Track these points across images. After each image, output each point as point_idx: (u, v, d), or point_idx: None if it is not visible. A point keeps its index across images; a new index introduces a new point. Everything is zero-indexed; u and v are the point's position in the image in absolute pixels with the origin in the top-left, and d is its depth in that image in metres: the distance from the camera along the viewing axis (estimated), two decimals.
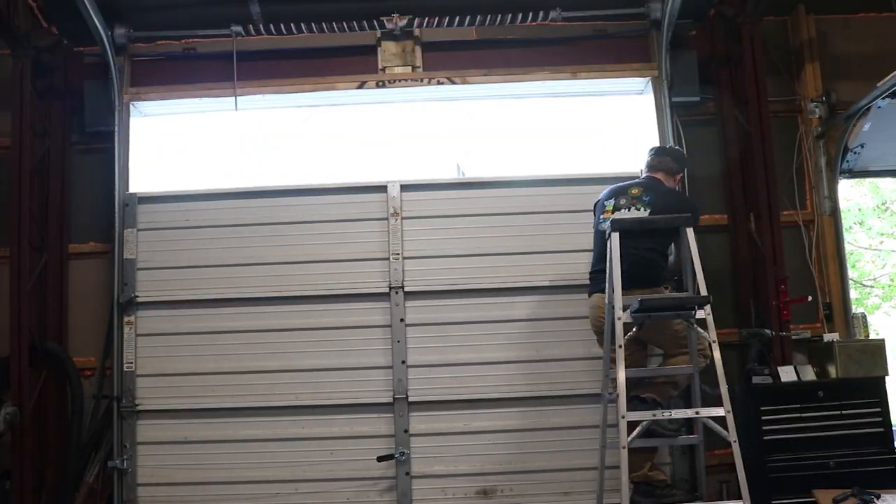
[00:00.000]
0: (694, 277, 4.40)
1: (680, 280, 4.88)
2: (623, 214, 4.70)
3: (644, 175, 5.04)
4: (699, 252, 4.36)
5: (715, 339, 4.25)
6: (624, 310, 4.30)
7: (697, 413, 4.27)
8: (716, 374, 4.18)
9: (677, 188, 5.08)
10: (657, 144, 5.48)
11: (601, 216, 4.84)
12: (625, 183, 4.97)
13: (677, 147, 5.34)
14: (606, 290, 4.57)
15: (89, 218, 5.84)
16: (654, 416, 4.40)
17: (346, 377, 5.46)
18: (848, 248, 13.56)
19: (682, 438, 5.03)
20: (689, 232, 4.45)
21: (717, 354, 4.24)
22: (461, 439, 5.40)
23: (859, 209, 13.85)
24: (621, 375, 4.13)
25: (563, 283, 5.50)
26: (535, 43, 5.91)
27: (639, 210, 4.72)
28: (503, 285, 5.54)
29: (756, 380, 5.15)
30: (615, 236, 4.42)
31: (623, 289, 4.30)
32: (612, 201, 4.84)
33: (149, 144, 6.08)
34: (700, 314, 4.31)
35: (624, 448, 4.03)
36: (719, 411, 4.11)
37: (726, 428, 4.08)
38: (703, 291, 4.33)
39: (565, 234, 5.59)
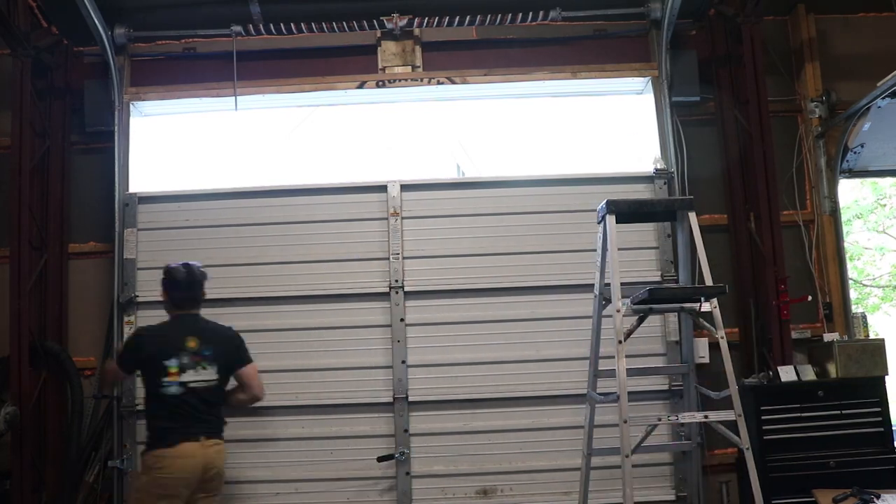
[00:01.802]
0: (693, 268, 4.29)
1: None
2: (192, 377, 4.26)
3: (182, 311, 4.50)
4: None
5: (723, 335, 4.11)
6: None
7: (707, 417, 4.06)
8: (724, 374, 4.02)
9: None
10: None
11: (164, 378, 4.24)
12: (176, 326, 4.46)
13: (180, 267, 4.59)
14: (598, 280, 4.38)
15: (89, 218, 5.83)
16: (660, 419, 4.32)
17: (346, 377, 5.46)
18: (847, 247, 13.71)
19: (679, 444, 5.00)
20: (692, 217, 4.25)
21: (725, 351, 4.06)
22: (461, 439, 5.39)
23: (856, 202, 13.99)
24: (622, 372, 3.97)
25: (563, 283, 5.50)
26: (535, 43, 5.91)
27: (205, 369, 4.32)
28: (503, 285, 5.54)
29: (747, 382, 5.16)
30: (611, 219, 4.22)
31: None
32: (174, 360, 4.27)
33: (149, 144, 6.08)
34: (706, 307, 4.10)
35: (627, 457, 3.86)
36: (729, 415, 3.94)
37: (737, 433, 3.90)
38: (709, 282, 4.14)
39: (565, 234, 5.58)
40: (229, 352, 4.50)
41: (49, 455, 5.45)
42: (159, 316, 5.50)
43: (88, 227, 5.83)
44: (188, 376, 4.29)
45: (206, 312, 5.49)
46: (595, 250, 4.59)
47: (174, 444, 4.14)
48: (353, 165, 8.93)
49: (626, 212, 4.37)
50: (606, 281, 4.39)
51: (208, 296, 5.49)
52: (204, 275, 4.58)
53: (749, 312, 5.54)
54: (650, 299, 4.07)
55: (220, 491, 4.41)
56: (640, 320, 4.26)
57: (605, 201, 4.31)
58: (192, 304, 4.53)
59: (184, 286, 4.48)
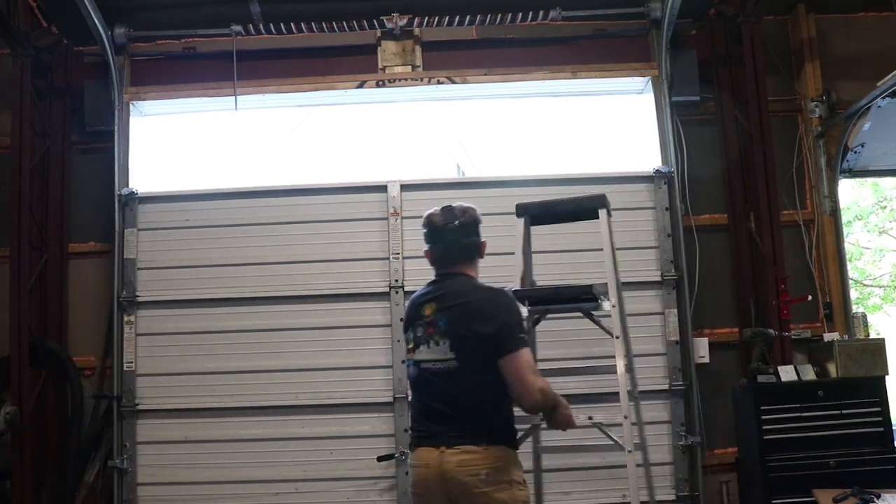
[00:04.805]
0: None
1: None
2: (424, 354, 3.32)
3: (440, 272, 3.57)
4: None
5: (619, 335, 4.01)
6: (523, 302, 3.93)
7: (591, 419, 3.94)
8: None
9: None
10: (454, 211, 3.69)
11: (406, 356, 3.48)
12: (423, 292, 3.55)
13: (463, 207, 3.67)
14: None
15: (89, 218, 5.83)
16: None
17: (346, 377, 5.46)
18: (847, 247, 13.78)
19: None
20: (603, 214, 4.15)
21: (619, 351, 3.95)
22: None
23: (857, 205, 14.03)
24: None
25: (563, 283, 5.49)
26: (534, 42, 5.91)
27: (438, 345, 3.27)
28: (502, 285, 5.52)
29: (761, 378, 5.15)
30: (520, 221, 4.18)
31: None
32: (410, 333, 3.43)
33: (149, 144, 6.08)
34: (605, 306, 3.99)
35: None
36: (617, 418, 3.89)
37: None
38: (613, 279, 4.02)
39: (565, 234, 5.54)
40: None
41: (49, 455, 5.45)
42: (160, 316, 5.54)
43: (88, 227, 5.82)
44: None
45: (205, 313, 5.54)
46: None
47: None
48: (353, 165, 8.93)
49: (537, 213, 4.31)
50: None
51: (208, 296, 5.53)
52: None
53: (749, 312, 5.54)
54: (539, 300, 4.05)
55: None
56: (536, 322, 4.25)
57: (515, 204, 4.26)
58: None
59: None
